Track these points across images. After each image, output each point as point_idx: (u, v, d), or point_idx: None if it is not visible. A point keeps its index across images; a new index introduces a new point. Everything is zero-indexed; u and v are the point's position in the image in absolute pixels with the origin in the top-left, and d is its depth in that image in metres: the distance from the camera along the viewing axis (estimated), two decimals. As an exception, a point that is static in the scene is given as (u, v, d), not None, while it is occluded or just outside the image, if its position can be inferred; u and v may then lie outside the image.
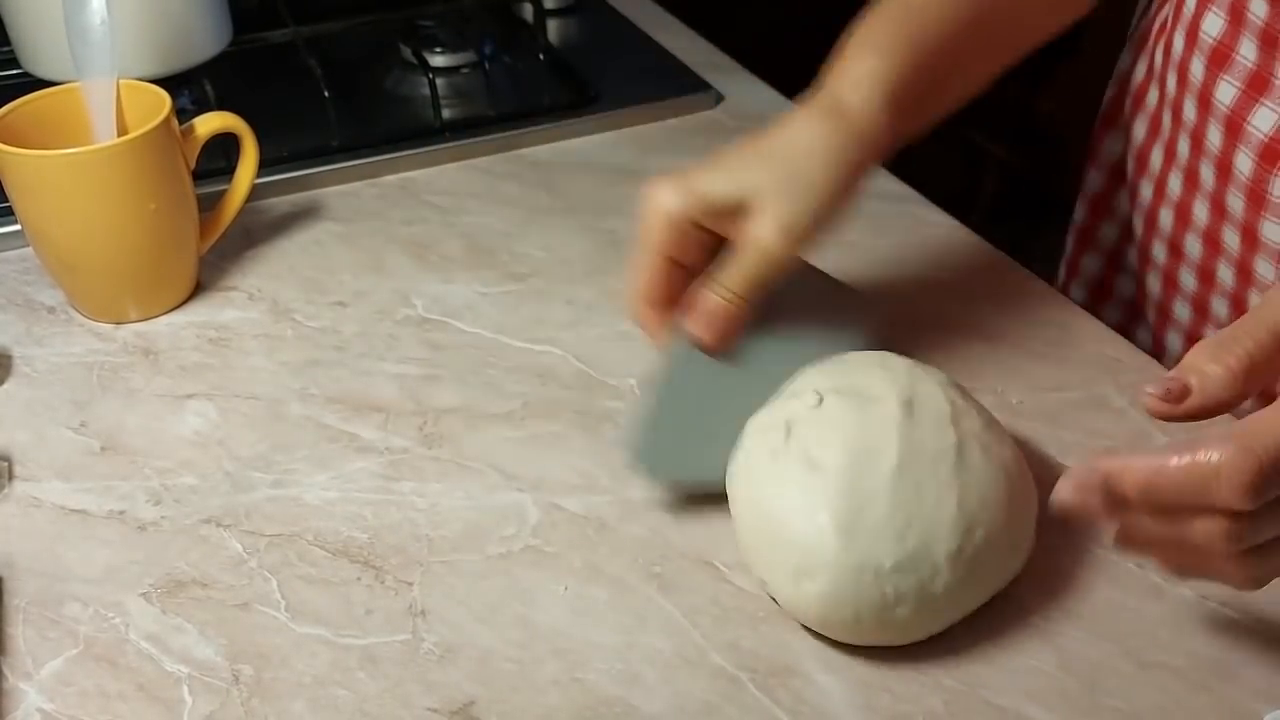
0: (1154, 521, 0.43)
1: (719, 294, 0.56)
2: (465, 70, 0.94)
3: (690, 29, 1.02)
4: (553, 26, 1.01)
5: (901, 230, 0.77)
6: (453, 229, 0.78)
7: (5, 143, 0.64)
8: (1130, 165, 0.75)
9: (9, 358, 0.67)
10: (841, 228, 0.58)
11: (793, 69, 0.98)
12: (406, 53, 0.93)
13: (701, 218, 0.56)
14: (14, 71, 0.86)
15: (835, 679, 0.49)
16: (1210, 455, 0.40)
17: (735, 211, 0.55)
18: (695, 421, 0.57)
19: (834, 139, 0.56)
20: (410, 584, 0.53)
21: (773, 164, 0.56)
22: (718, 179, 0.56)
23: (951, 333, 0.67)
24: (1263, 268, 0.64)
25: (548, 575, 0.54)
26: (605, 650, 0.50)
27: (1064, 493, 0.44)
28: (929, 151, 0.84)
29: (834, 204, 0.56)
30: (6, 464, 0.60)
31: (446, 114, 0.88)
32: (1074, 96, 1.67)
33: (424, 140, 0.85)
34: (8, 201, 0.67)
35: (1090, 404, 0.62)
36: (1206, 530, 0.42)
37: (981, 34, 0.62)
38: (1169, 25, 0.69)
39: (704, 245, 0.57)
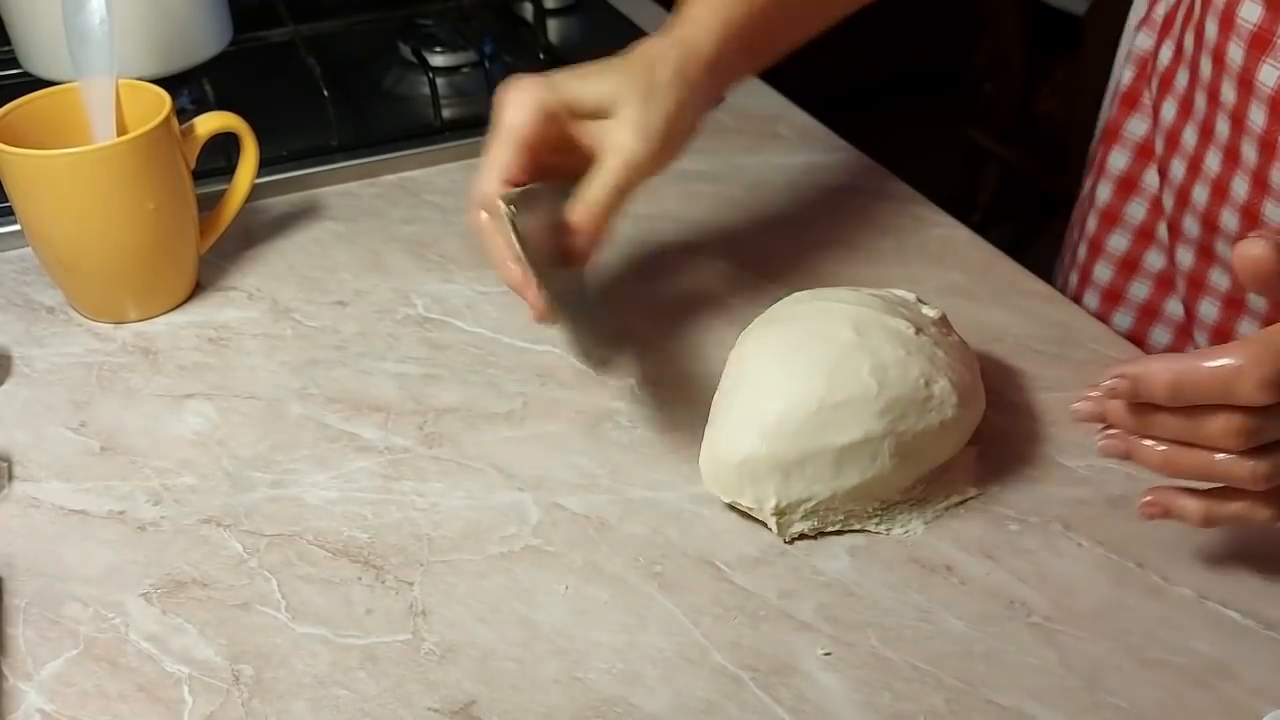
0: (1171, 419, 0.47)
1: (588, 209, 0.58)
2: (465, 69, 0.94)
3: (690, 28, 1.02)
4: (553, 26, 1.01)
5: (901, 230, 0.77)
6: (452, 228, 0.78)
7: (5, 143, 0.64)
8: (1160, 145, 0.76)
9: (9, 358, 0.67)
10: (688, 142, 0.62)
11: (793, 69, 0.98)
12: (406, 52, 0.93)
13: (562, 111, 0.59)
14: (14, 71, 0.86)
15: (836, 677, 0.49)
16: (1233, 355, 0.44)
17: (594, 113, 0.59)
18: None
19: (679, 57, 0.61)
20: (411, 584, 0.53)
21: (629, 74, 0.60)
22: (580, 83, 0.60)
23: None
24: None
25: (548, 575, 0.54)
26: (606, 649, 0.50)
27: (1084, 404, 0.49)
28: (929, 151, 0.84)
29: (682, 113, 0.60)
30: (6, 464, 0.60)
31: (446, 113, 0.88)
32: (1073, 96, 1.67)
33: (424, 140, 0.85)
34: (7, 201, 0.67)
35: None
36: (1223, 427, 0.45)
37: (788, 11, 0.67)
38: (1197, 12, 0.71)
39: (554, 146, 0.60)
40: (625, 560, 0.54)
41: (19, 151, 0.64)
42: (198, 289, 0.72)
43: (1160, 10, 0.78)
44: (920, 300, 0.61)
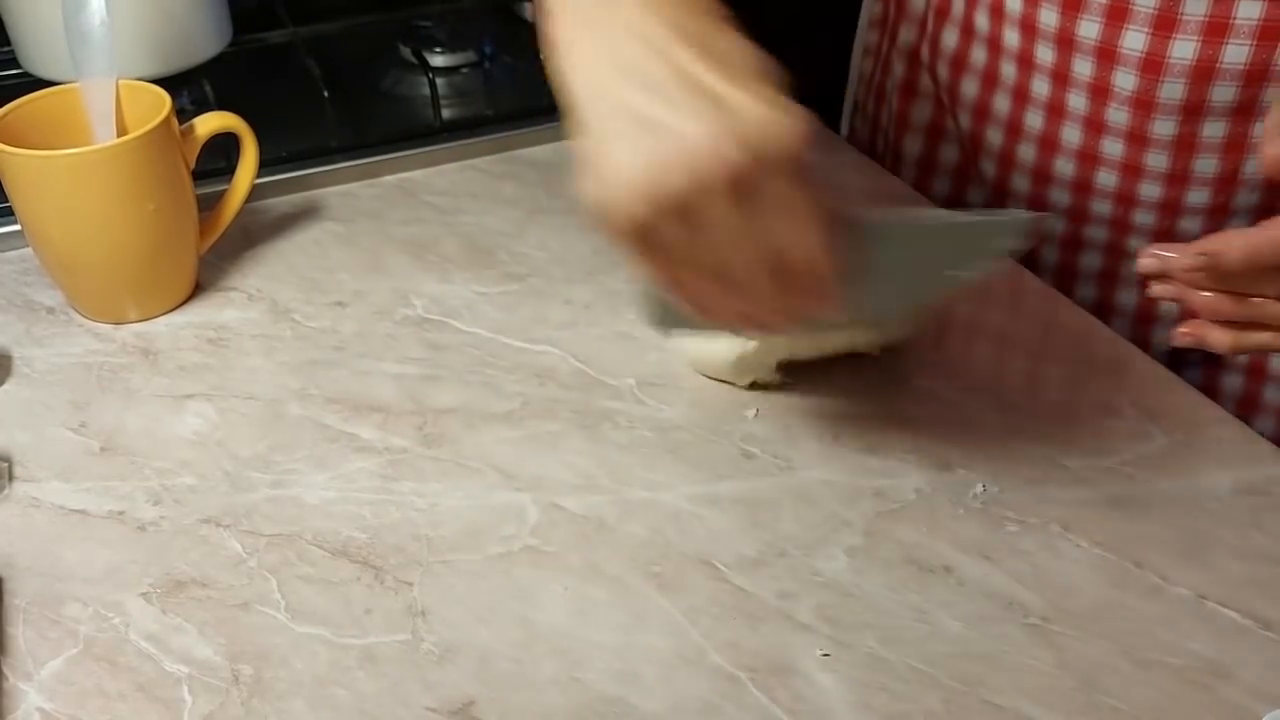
0: (1239, 286, 0.53)
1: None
2: (465, 70, 0.94)
3: (689, 29, 1.02)
4: (552, 26, 1.00)
5: (900, 230, 0.77)
6: (452, 229, 0.78)
7: (5, 143, 0.64)
8: (966, 121, 0.79)
9: (9, 358, 0.67)
10: None
11: (793, 69, 0.98)
12: (406, 53, 0.93)
13: None
14: (14, 71, 0.86)
15: (834, 678, 0.49)
16: None
17: None
18: None
19: None
20: (410, 584, 0.53)
21: None
22: None
23: (952, 332, 0.67)
24: (1152, 159, 0.71)
25: (547, 575, 0.54)
26: (605, 650, 0.50)
27: (1151, 261, 0.54)
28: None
29: None
30: (6, 464, 0.60)
31: (446, 114, 0.88)
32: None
33: (423, 140, 0.85)
34: (7, 202, 0.67)
35: (1090, 404, 0.62)
36: None
37: None
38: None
39: None
40: (624, 561, 0.54)
41: (19, 152, 0.64)
42: (197, 289, 0.72)
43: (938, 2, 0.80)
44: None
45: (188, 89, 0.86)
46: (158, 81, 0.70)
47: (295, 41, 0.91)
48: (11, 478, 0.59)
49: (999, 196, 0.78)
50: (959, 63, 0.78)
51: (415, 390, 0.64)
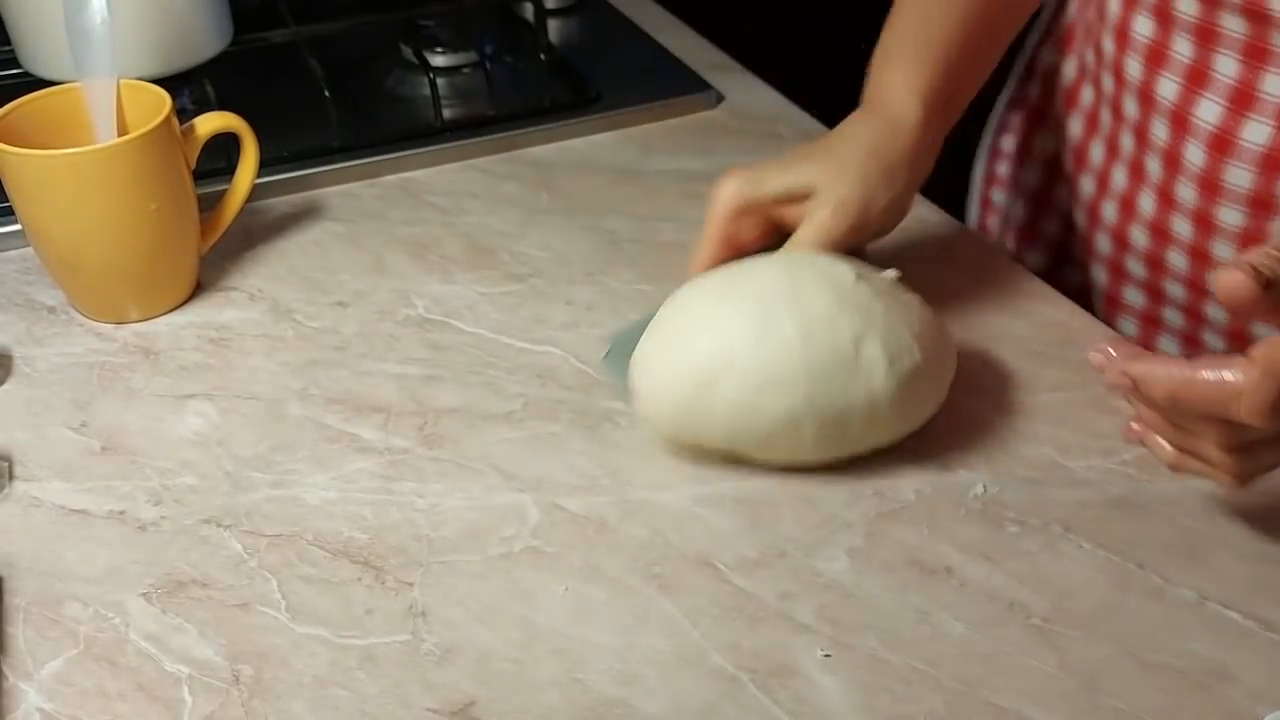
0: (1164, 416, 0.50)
1: None
2: (465, 70, 0.94)
3: (690, 29, 1.02)
4: (553, 26, 1.00)
5: (901, 230, 0.76)
6: (453, 229, 0.78)
7: (5, 143, 0.64)
8: (1068, 161, 0.76)
9: (9, 358, 0.67)
10: (898, 214, 0.64)
11: (793, 69, 0.98)
12: (407, 53, 0.93)
13: (765, 201, 0.62)
14: (14, 71, 0.86)
15: (835, 679, 0.49)
16: (1236, 374, 0.45)
17: (790, 199, 0.62)
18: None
19: (878, 134, 0.63)
20: (410, 584, 0.53)
21: (825, 158, 0.63)
22: (777, 172, 0.63)
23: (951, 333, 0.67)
24: (1219, 250, 0.67)
25: (548, 575, 0.54)
26: (605, 650, 0.50)
27: (1098, 357, 0.52)
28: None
29: (881, 190, 0.62)
30: (7, 464, 0.60)
31: (447, 114, 0.88)
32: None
33: (424, 140, 0.85)
34: (8, 201, 0.67)
35: (1090, 404, 0.62)
36: (1215, 436, 0.48)
37: (988, 29, 0.68)
38: (1095, 28, 0.71)
39: (761, 231, 0.64)
40: (624, 561, 0.54)
41: (20, 151, 0.64)
42: (198, 289, 0.72)
43: (1070, 23, 0.78)
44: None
45: (189, 88, 0.86)
46: (159, 81, 0.70)
47: (297, 41, 0.91)
48: (12, 477, 0.59)
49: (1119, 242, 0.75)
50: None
51: (416, 391, 0.64)
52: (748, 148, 0.86)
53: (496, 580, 0.53)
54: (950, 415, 0.61)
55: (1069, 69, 0.76)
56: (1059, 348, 0.66)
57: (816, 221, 0.61)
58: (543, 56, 0.95)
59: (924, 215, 0.78)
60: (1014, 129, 0.85)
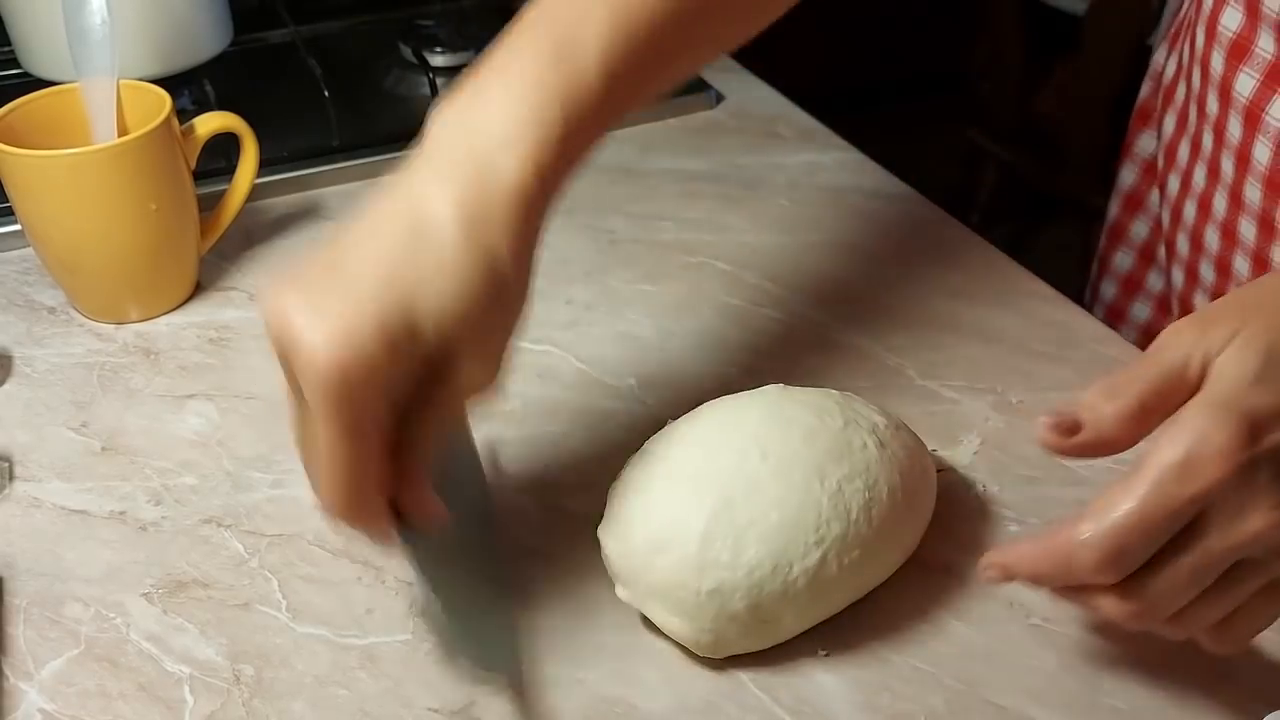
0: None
1: None
2: (465, 70, 0.94)
3: (690, 29, 1.02)
4: (553, 26, 1.00)
5: (901, 230, 0.77)
6: (453, 229, 0.78)
7: (5, 143, 0.64)
8: (1160, 160, 0.75)
9: (9, 358, 0.67)
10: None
11: (793, 69, 0.98)
12: (406, 52, 0.93)
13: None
14: (14, 71, 0.86)
15: (836, 678, 0.49)
16: (1078, 528, 0.41)
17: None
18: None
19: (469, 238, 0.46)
20: (411, 584, 0.53)
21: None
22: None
23: (951, 332, 0.67)
24: (1278, 255, 0.64)
25: (547, 575, 0.54)
26: (606, 650, 0.50)
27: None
28: (929, 151, 0.84)
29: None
30: (7, 464, 0.60)
31: (446, 114, 0.88)
32: (1073, 96, 1.67)
33: (424, 140, 0.85)
34: (8, 201, 0.67)
35: (1090, 404, 0.62)
36: (1106, 603, 0.43)
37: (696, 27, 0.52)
38: (1191, 21, 0.70)
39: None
40: (625, 561, 0.54)
41: (19, 152, 0.64)
42: (198, 289, 0.72)
43: (1180, 21, 0.76)
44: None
45: (188, 89, 0.86)
46: (158, 81, 0.70)
47: (296, 41, 0.91)
48: (12, 477, 0.59)
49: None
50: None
51: (416, 390, 0.64)
52: (748, 147, 0.86)
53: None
54: (949, 414, 0.61)
55: (1170, 66, 0.74)
56: (1059, 348, 0.66)
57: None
58: (542, 56, 0.95)
59: (924, 215, 0.78)
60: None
